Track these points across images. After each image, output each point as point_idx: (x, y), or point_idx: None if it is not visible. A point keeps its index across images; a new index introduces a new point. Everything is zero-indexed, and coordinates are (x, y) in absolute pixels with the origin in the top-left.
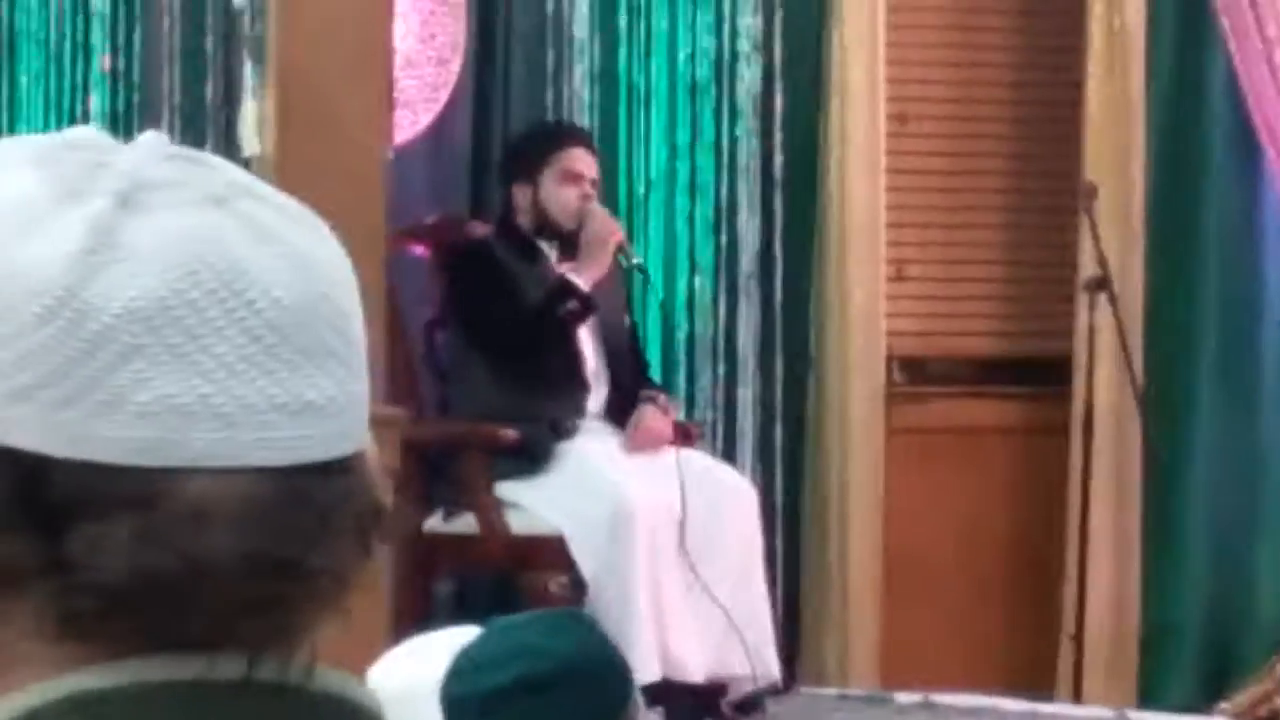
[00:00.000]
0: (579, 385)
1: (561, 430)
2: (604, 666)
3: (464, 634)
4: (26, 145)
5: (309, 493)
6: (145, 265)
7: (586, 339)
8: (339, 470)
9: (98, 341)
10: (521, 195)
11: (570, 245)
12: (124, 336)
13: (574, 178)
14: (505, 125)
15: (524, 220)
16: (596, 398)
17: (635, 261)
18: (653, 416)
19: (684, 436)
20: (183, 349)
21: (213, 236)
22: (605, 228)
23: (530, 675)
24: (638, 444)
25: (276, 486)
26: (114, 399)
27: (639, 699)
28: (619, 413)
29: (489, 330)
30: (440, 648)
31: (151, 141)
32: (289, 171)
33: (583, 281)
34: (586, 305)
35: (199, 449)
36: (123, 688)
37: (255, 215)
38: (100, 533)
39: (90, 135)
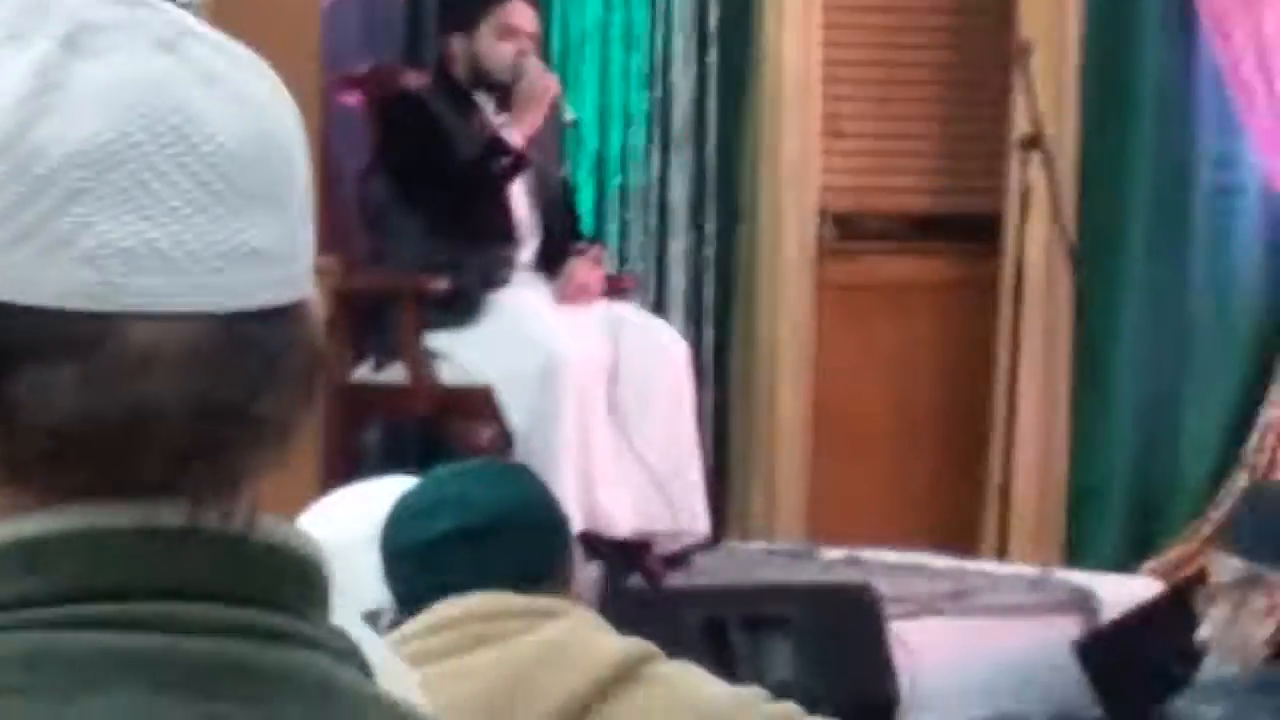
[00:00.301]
0: (510, 237)
1: (492, 280)
2: (541, 517)
3: (398, 484)
4: None
5: (254, 339)
6: (92, 109)
7: (519, 191)
8: (284, 317)
9: (43, 185)
10: (458, 46)
11: (506, 98)
12: (69, 180)
13: (511, 32)
14: None
15: (460, 71)
16: (528, 249)
17: (568, 118)
18: (584, 269)
19: (616, 289)
20: (128, 193)
21: (160, 80)
22: (540, 83)
23: (468, 525)
24: (569, 297)
25: (221, 332)
26: (59, 243)
27: (576, 551)
28: (551, 265)
29: (420, 182)
30: (376, 497)
31: None
32: (225, 18)
33: (516, 136)
34: (518, 162)
35: (143, 293)
36: (63, 533)
37: (202, 58)
38: (44, 377)
39: None
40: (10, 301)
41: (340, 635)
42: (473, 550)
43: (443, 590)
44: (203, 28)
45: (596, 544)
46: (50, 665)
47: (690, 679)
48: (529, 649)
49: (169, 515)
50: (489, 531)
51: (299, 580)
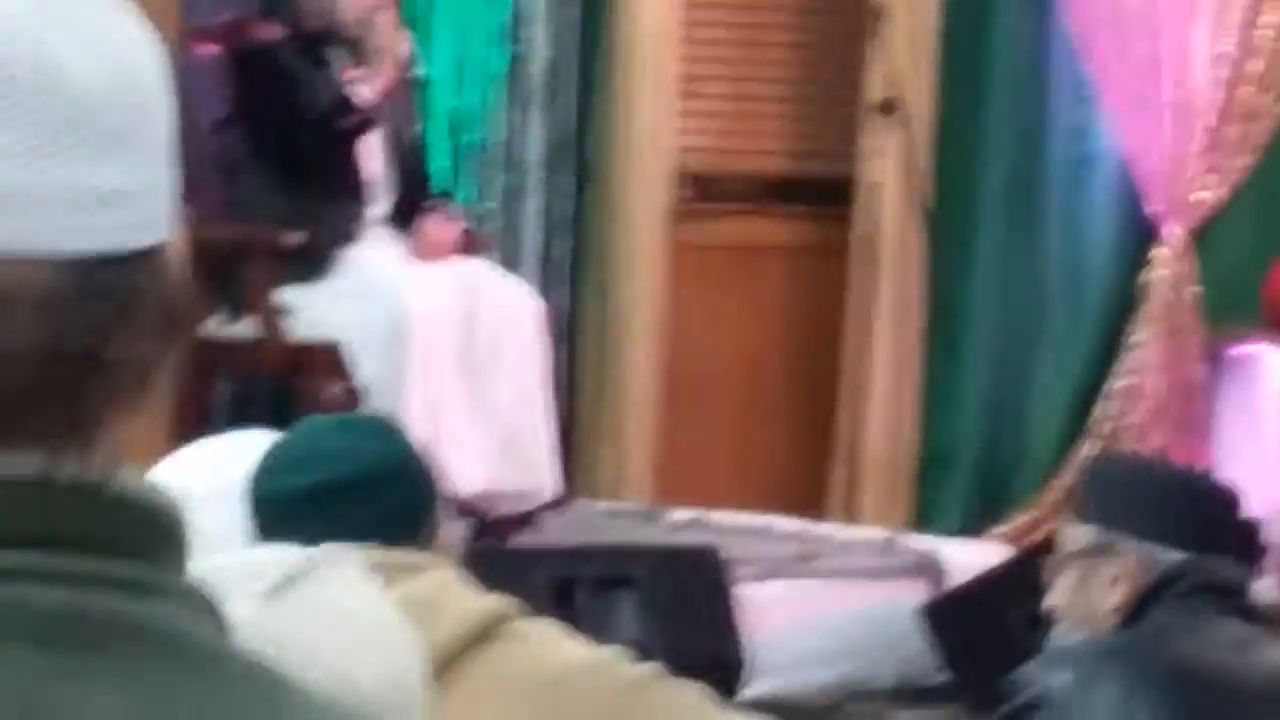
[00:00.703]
0: (361, 193)
1: (344, 236)
2: (409, 473)
3: (253, 438)
4: None
5: (108, 284)
6: None
7: (372, 147)
8: (140, 262)
9: None
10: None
11: (359, 52)
12: None
13: None
14: None
15: (314, 23)
16: (381, 205)
17: (418, 73)
18: (436, 226)
19: (469, 245)
20: None
21: (14, 21)
22: (391, 40)
23: (335, 478)
24: (421, 253)
25: (73, 276)
26: None
27: (443, 508)
28: (403, 220)
29: (271, 137)
30: (231, 451)
31: None
32: None
33: (366, 92)
34: (365, 120)
35: None
36: None
37: (67, 1)
38: None
39: None
40: None
41: (197, 589)
42: (340, 504)
43: (309, 542)
44: None
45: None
46: None
47: (551, 637)
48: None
49: (22, 464)
50: (356, 486)
51: (156, 531)
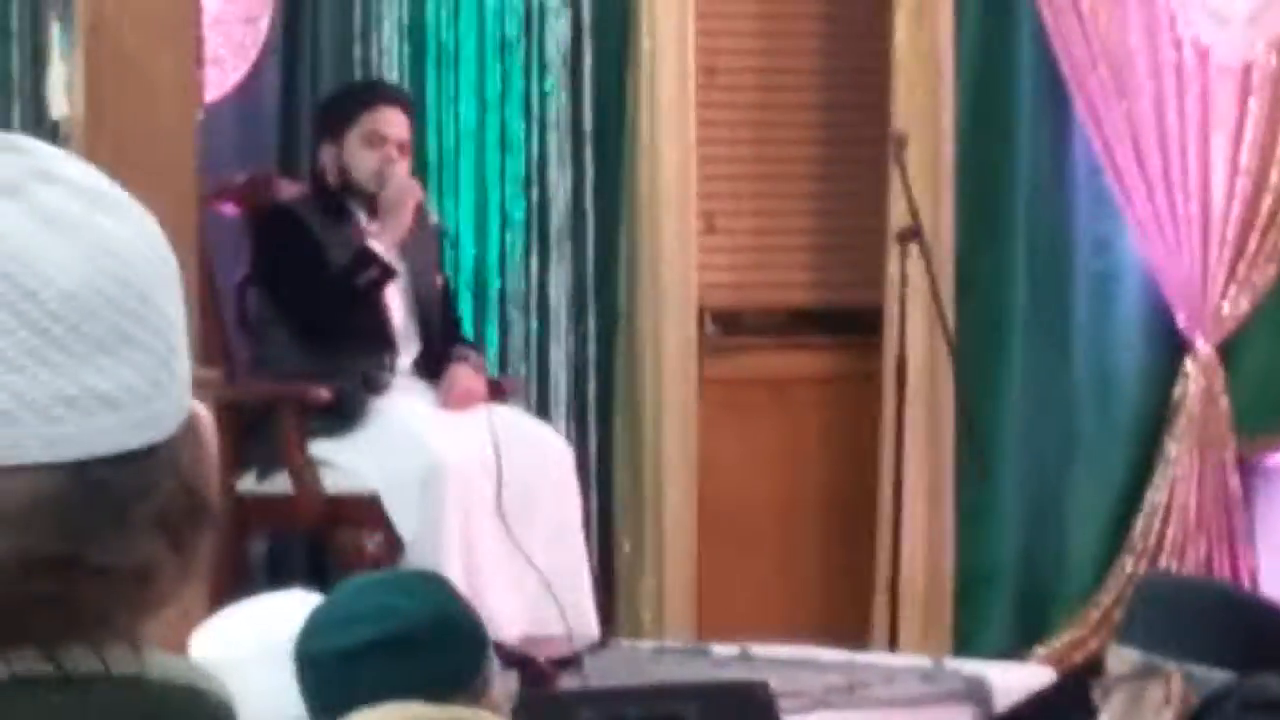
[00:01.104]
0: (386, 345)
1: (374, 386)
2: (458, 626)
3: (292, 599)
4: None
5: (103, 485)
6: None
7: (395, 297)
8: (140, 460)
9: None
10: (328, 155)
11: (374, 206)
12: None
13: (377, 140)
14: (314, 82)
15: (331, 180)
16: (407, 356)
17: (434, 222)
18: (466, 375)
19: (498, 393)
20: None
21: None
22: (401, 191)
23: (386, 634)
24: (452, 403)
25: (66, 481)
26: None
27: (495, 659)
28: (431, 370)
29: (293, 293)
30: (270, 613)
31: None
32: (99, 133)
33: (383, 245)
34: (385, 272)
35: None
36: None
37: (51, 203)
38: None
39: None
40: None
41: None
42: (389, 660)
43: (357, 701)
44: (70, 168)
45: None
46: None
47: None
48: None
49: (24, 664)
50: (406, 641)
51: (203, 716)
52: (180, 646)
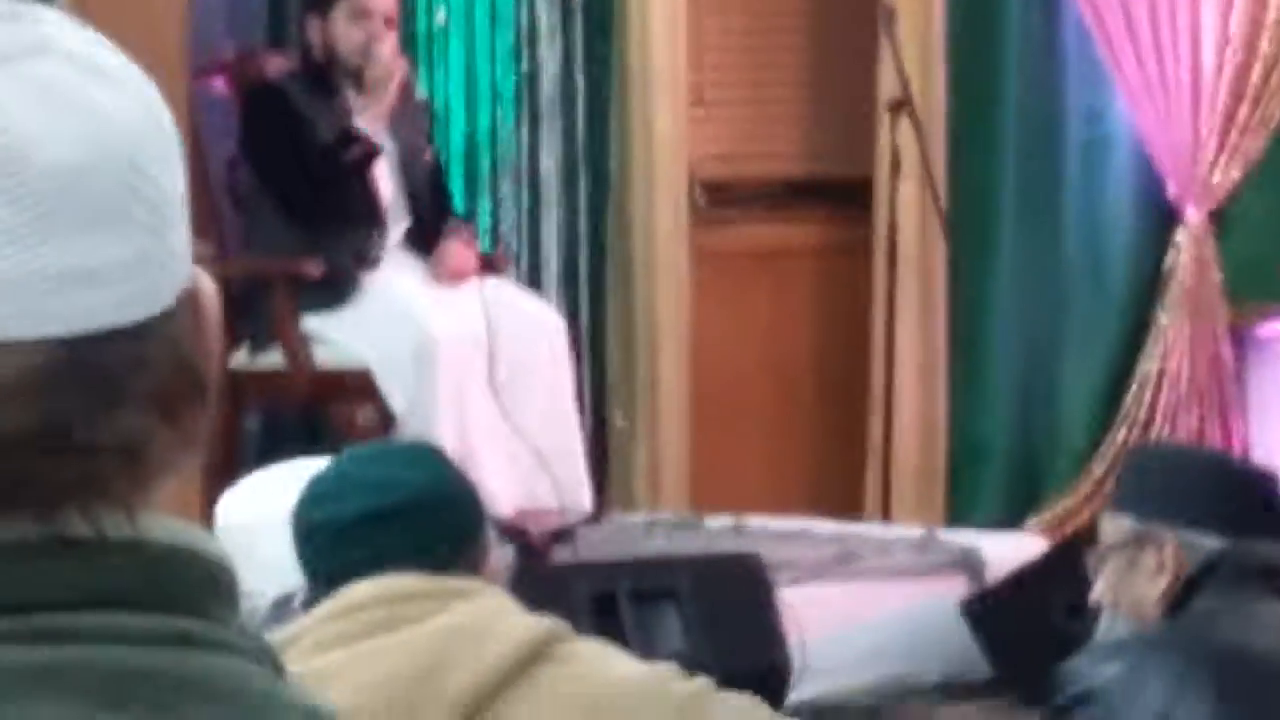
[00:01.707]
0: (375, 222)
1: (364, 260)
2: (454, 497)
3: (307, 467)
4: None
5: (94, 361)
6: None
7: (384, 173)
8: (132, 335)
9: None
10: (314, 30)
11: (361, 82)
12: None
13: (364, 14)
14: None
15: (318, 55)
16: (396, 231)
17: (420, 100)
18: (457, 249)
19: (490, 266)
20: None
21: None
22: (386, 68)
23: (381, 505)
24: (444, 278)
25: (53, 357)
26: None
27: (492, 533)
28: (422, 244)
29: (280, 171)
30: (284, 481)
31: None
32: (89, 8)
33: (368, 121)
34: (369, 150)
35: None
36: None
37: (47, 75)
38: None
39: None
40: None
41: (251, 636)
42: (385, 531)
43: (354, 571)
44: (74, 39)
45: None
46: None
47: (602, 657)
48: (441, 630)
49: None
50: (401, 512)
51: (205, 583)
52: (177, 516)
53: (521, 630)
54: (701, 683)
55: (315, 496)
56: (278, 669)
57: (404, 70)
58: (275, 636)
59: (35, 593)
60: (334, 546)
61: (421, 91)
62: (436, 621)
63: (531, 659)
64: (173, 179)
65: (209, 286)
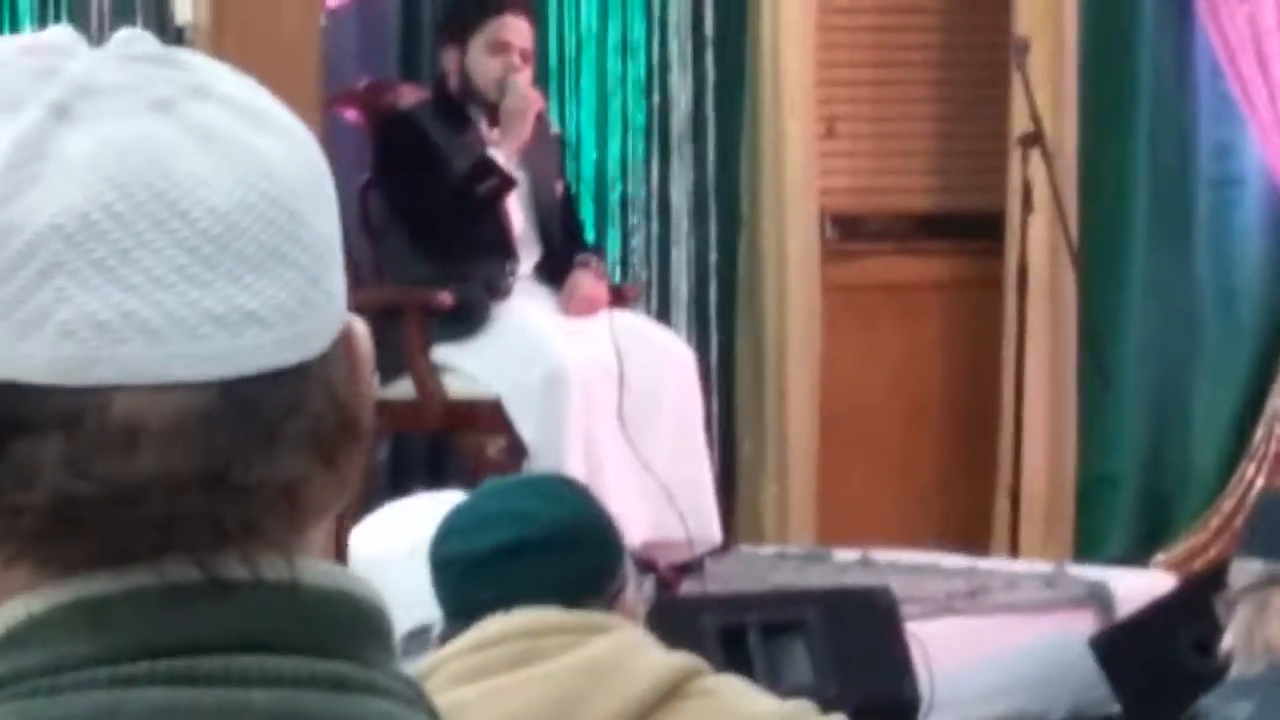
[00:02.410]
0: (506, 252)
1: (495, 291)
2: (592, 531)
3: (440, 499)
4: None
5: (251, 403)
6: (70, 179)
7: (516, 204)
8: (290, 378)
9: (20, 259)
10: (451, 60)
11: (495, 113)
12: (45, 253)
13: (501, 47)
14: None
15: (454, 85)
16: (528, 262)
17: (553, 133)
18: (587, 281)
19: (620, 298)
20: (107, 264)
21: (146, 146)
22: (523, 101)
23: (519, 538)
24: (574, 310)
25: (212, 399)
26: (37, 317)
27: (631, 565)
28: (552, 275)
29: (412, 202)
30: (418, 513)
31: (120, 41)
32: (223, 40)
33: (504, 154)
34: (504, 182)
35: (125, 366)
36: (126, 592)
37: (203, 119)
38: (28, 454)
39: (58, 37)
40: None
41: (406, 680)
42: (523, 564)
43: (492, 604)
44: (224, 83)
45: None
46: None
47: (739, 693)
48: (578, 665)
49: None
50: (539, 545)
51: (359, 626)
52: (324, 551)
53: (659, 666)
54: (838, 719)
55: (453, 529)
56: (431, 713)
57: (540, 104)
58: (410, 670)
59: (192, 635)
60: (471, 580)
61: (555, 124)
62: (574, 656)
63: (669, 695)
64: (328, 222)
65: (362, 329)
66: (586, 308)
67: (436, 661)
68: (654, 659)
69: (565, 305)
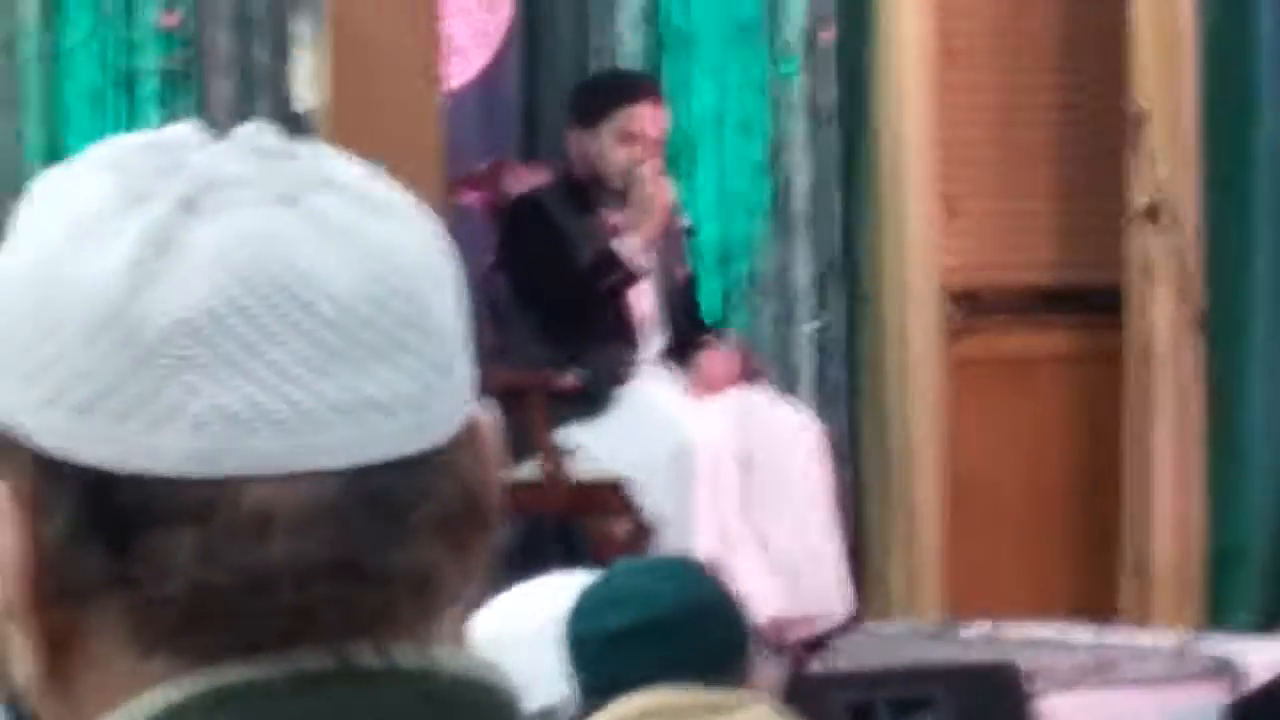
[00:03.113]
0: (631, 335)
1: (618, 373)
2: (722, 611)
3: (565, 580)
4: (112, 147)
5: (380, 492)
6: (196, 274)
7: (643, 288)
8: (418, 466)
9: (149, 355)
10: (578, 143)
11: (624, 200)
12: (175, 349)
13: (630, 137)
14: (554, 69)
15: (580, 169)
16: (653, 346)
17: (683, 225)
18: (714, 359)
19: (747, 375)
20: (235, 358)
21: (271, 239)
22: (649, 200)
23: (651, 617)
24: (701, 388)
25: (343, 488)
26: (168, 411)
27: (758, 644)
28: (680, 357)
29: (535, 288)
30: (544, 593)
31: (243, 135)
32: (343, 123)
33: (631, 246)
34: (629, 276)
35: (255, 456)
36: (264, 681)
37: (326, 211)
38: (163, 545)
39: (182, 132)
40: (124, 472)
41: None
42: (658, 643)
43: (626, 683)
44: (343, 172)
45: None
46: None
47: None
48: None
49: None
50: (674, 625)
51: (493, 713)
52: (457, 641)
53: None
54: None
55: (583, 609)
56: None
57: (670, 196)
58: None
59: None
60: (607, 657)
61: (685, 217)
62: None
63: None
64: (452, 308)
65: (489, 417)
66: (713, 385)
67: None
68: None
69: (693, 385)
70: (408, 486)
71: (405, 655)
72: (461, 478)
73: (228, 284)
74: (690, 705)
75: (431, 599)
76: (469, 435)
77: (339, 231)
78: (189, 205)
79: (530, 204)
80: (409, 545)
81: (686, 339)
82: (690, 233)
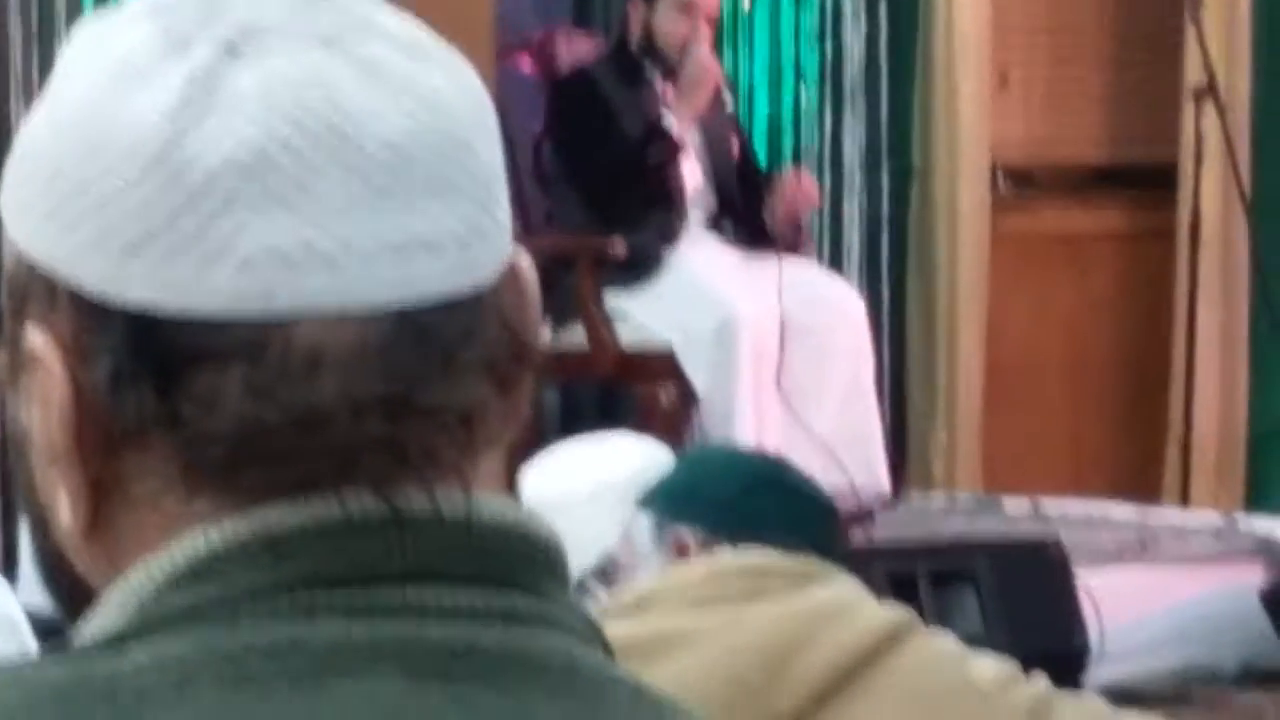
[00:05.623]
0: (678, 203)
1: (665, 240)
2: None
3: (612, 440)
4: None
5: (428, 330)
6: (244, 115)
7: (691, 160)
8: (464, 305)
9: (199, 194)
10: (636, 12)
11: (673, 74)
12: (224, 187)
13: (689, 8)
14: None
15: (635, 39)
16: (700, 213)
17: (729, 112)
18: (794, 179)
19: (792, 244)
20: (285, 196)
21: (317, 80)
22: (702, 74)
23: (776, 475)
24: (789, 203)
25: (391, 326)
26: (216, 251)
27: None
28: (726, 225)
29: (584, 158)
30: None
31: None
32: None
33: (678, 118)
34: (674, 148)
35: (305, 295)
36: (304, 525)
37: (370, 54)
38: (212, 383)
39: None
40: (174, 312)
41: (582, 616)
42: (773, 504)
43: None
44: (387, 20)
45: None
46: (300, 654)
47: (953, 649)
48: (803, 609)
49: (359, 505)
50: (797, 487)
51: (536, 560)
52: (499, 486)
53: (877, 619)
54: (1045, 685)
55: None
56: (606, 648)
57: (718, 77)
58: (629, 594)
59: (370, 566)
60: (733, 510)
61: (731, 103)
62: (799, 600)
63: (889, 643)
64: (494, 153)
65: (527, 261)
66: (804, 205)
67: (665, 585)
68: (872, 611)
69: (776, 211)
70: (455, 326)
71: (449, 500)
72: (505, 318)
73: (276, 124)
74: (782, 569)
75: (477, 438)
76: (511, 277)
77: (383, 74)
78: (232, 49)
79: (581, 80)
80: (457, 383)
81: (733, 209)
82: (736, 120)
